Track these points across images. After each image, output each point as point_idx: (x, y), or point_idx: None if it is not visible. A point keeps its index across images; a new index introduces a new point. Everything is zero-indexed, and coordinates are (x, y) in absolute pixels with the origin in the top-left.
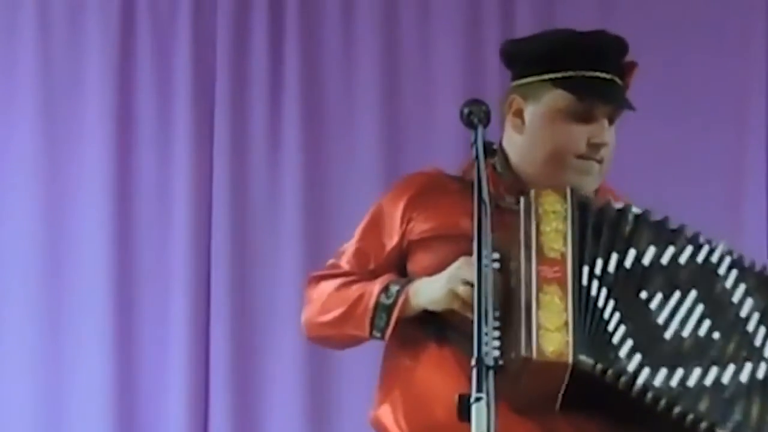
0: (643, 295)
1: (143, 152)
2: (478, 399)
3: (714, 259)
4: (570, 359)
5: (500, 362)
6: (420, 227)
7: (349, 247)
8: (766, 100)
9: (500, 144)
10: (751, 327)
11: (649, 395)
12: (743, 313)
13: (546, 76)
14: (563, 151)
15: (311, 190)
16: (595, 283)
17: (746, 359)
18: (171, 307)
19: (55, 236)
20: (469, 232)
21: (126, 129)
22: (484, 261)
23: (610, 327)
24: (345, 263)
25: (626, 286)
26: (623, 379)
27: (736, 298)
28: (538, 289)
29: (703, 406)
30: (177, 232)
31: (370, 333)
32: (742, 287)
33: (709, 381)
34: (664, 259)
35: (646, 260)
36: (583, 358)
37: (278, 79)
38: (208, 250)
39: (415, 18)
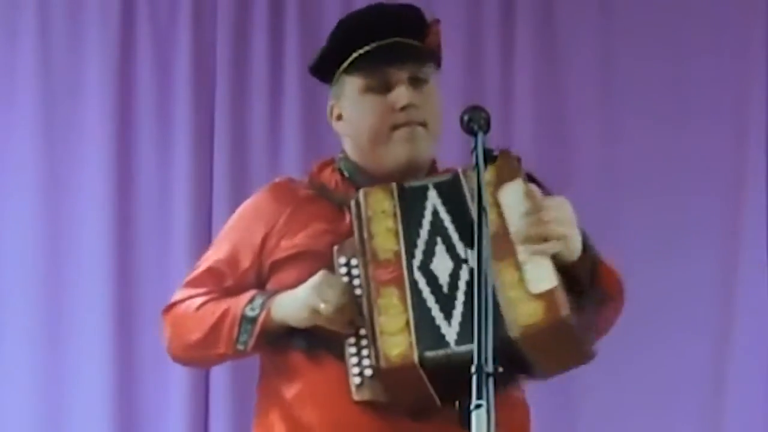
0: (432, 266)
1: (143, 155)
2: (478, 406)
3: (434, 199)
4: (415, 359)
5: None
6: (279, 245)
7: (202, 267)
8: (766, 104)
9: (344, 152)
10: (454, 239)
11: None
12: (451, 232)
13: (338, 72)
14: (377, 128)
15: None
16: (419, 275)
17: (459, 269)
18: None
19: (56, 238)
20: (328, 246)
21: (126, 132)
22: (478, 265)
23: (434, 314)
24: (197, 287)
25: (429, 268)
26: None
27: (447, 224)
28: (378, 295)
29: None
30: (177, 235)
31: (234, 346)
32: (443, 209)
33: (460, 310)
34: (428, 225)
35: (424, 234)
36: (429, 354)
37: (278, 82)
38: None
39: None
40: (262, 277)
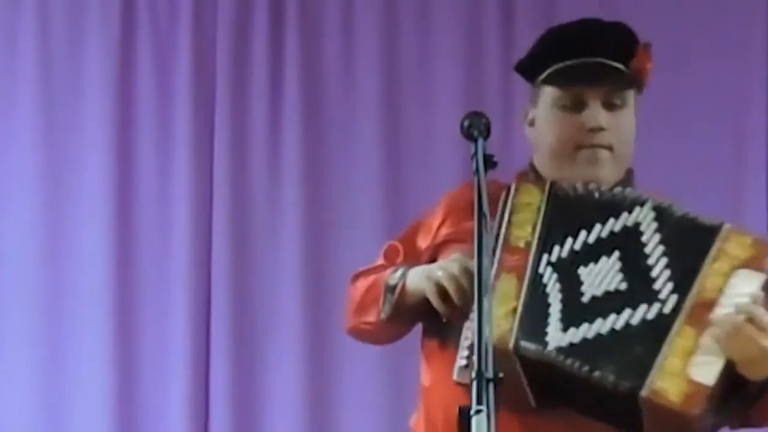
0: (581, 270)
1: (143, 157)
2: (478, 411)
3: (642, 217)
4: (510, 345)
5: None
6: (444, 231)
7: (386, 244)
8: (766, 107)
9: (531, 159)
10: (655, 271)
11: (567, 361)
12: (651, 261)
13: (539, 78)
14: (562, 144)
15: (312, 196)
16: (548, 270)
17: (642, 302)
18: (172, 313)
19: (56, 240)
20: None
21: (126, 134)
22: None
23: (551, 311)
24: (381, 258)
25: (571, 269)
26: (558, 358)
27: (649, 249)
28: (496, 277)
29: (599, 360)
30: (177, 238)
31: (379, 315)
32: (656, 236)
33: (605, 330)
34: (604, 233)
35: (591, 238)
36: (524, 344)
37: (278, 85)
38: (208, 257)
39: (416, 22)
40: (433, 261)
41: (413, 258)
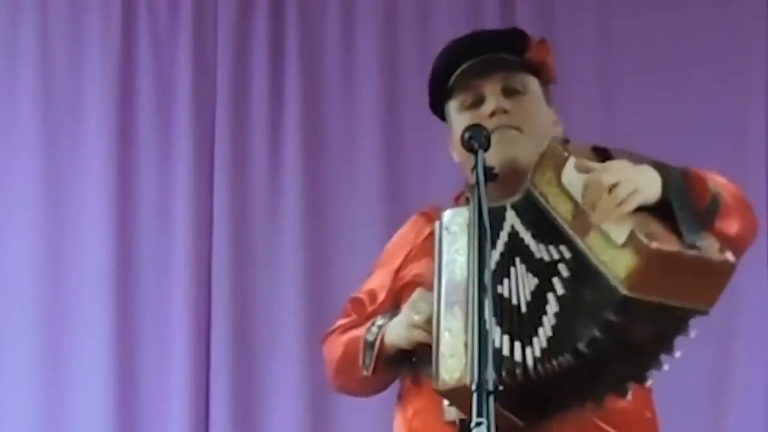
0: (499, 289)
1: (144, 169)
2: (478, 424)
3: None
4: (468, 380)
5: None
6: (407, 273)
7: (351, 296)
8: (765, 117)
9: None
10: (539, 252)
11: (551, 366)
12: (533, 247)
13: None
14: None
15: (312, 211)
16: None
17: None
18: (172, 322)
19: (58, 251)
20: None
21: (127, 145)
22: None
23: (495, 334)
24: (346, 316)
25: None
26: (518, 371)
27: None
28: (442, 317)
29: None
30: (178, 247)
31: (363, 372)
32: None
33: (551, 322)
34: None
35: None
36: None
37: (279, 96)
38: (209, 265)
39: (416, 31)
40: (398, 302)
41: (380, 309)
